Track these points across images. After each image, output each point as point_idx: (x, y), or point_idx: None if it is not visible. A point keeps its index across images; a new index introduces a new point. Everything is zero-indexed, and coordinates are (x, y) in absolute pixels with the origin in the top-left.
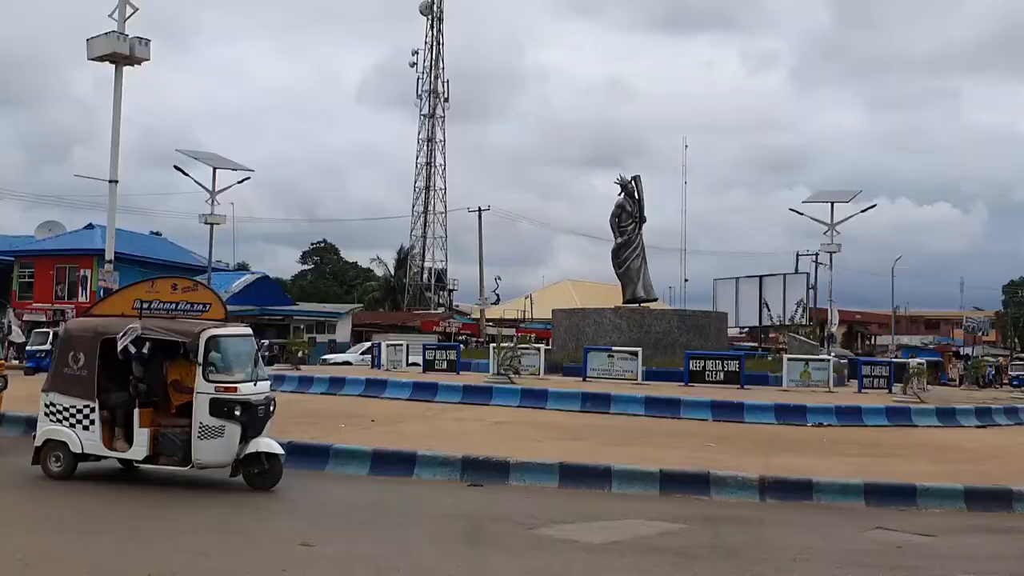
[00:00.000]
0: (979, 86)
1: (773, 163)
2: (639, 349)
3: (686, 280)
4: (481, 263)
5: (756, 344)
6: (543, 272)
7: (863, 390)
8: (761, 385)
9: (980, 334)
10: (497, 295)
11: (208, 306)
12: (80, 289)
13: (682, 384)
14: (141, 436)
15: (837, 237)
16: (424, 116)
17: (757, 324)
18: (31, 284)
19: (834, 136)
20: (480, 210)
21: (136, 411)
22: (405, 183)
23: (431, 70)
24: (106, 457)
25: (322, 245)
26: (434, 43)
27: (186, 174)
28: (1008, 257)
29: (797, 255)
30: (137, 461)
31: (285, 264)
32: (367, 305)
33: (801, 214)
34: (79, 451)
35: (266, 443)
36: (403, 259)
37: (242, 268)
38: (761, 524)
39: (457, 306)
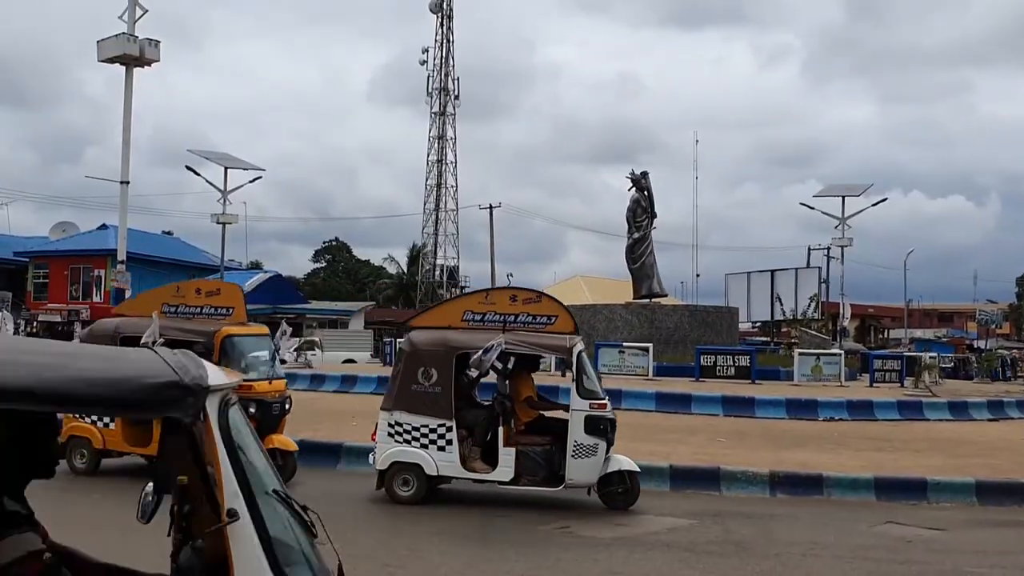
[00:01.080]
0: (992, 79)
1: (785, 158)
2: (650, 345)
3: (697, 275)
4: (493, 260)
5: (768, 339)
6: (554, 268)
7: (875, 384)
8: (772, 380)
9: (993, 327)
10: None
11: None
12: (94, 289)
13: (693, 379)
14: (507, 456)
15: (849, 231)
16: (435, 114)
17: (769, 319)
18: (45, 285)
19: (846, 130)
20: (491, 207)
21: (500, 429)
22: (416, 181)
23: (441, 68)
24: (462, 479)
25: (334, 243)
26: (444, 41)
27: (198, 174)
28: (1022, 249)
29: (809, 249)
30: (503, 482)
31: (297, 263)
32: (380, 303)
33: (812, 208)
34: (434, 473)
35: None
36: (415, 256)
37: (255, 267)
38: (771, 519)
39: None
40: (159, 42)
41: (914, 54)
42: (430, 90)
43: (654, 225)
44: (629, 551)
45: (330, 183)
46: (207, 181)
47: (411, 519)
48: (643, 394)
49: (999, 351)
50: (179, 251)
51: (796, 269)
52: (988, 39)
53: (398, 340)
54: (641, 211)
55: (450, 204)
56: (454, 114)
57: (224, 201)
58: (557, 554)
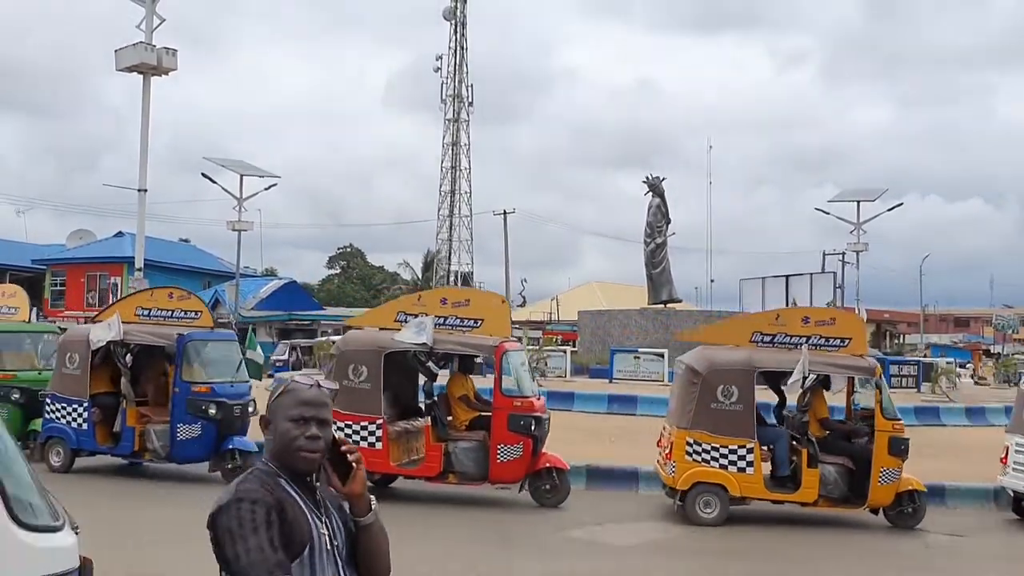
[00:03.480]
0: (1013, 81)
1: (802, 162)
2: (665, 350)
3: (712, 281)
4: (507, 266)
5: None
6: (569, 274)
7: (892, 389)
8: None
9: (1011, 332)
10: (523, 297)
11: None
12: (111, 296)
13: None
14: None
15: (864, 236)
16: (448, 120)
17: None
18: (63, 292)
19: (864, 133)
20: (505, 213)
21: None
22: (430, 187)
23: (455, 74)
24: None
25: (348, 249)
26: (458, 48)
27: (214, 182)
28: None
29: (824, 254)
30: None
31: (312, 269)
32: None
33: (827, 213)
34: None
35: None
36: (429, 262)
37: (270, 274)
38: (789, 524)
39: None
40: (176, 51)
41: (932, 56)
42: (444, 97)
43: (671, 231)
44: (646, 557)
45: (345, 189)
46: (223, 188)
47: (426, 522)
48: (658, 400)
49: (1016, 356)
50: (195, 258)
51: (811, 274)
52: (1008, 41)
53: None
54: (661, 216)
55: (464, 210)
56: (468, 120)
57: (240, 208)
58: (574, 561)
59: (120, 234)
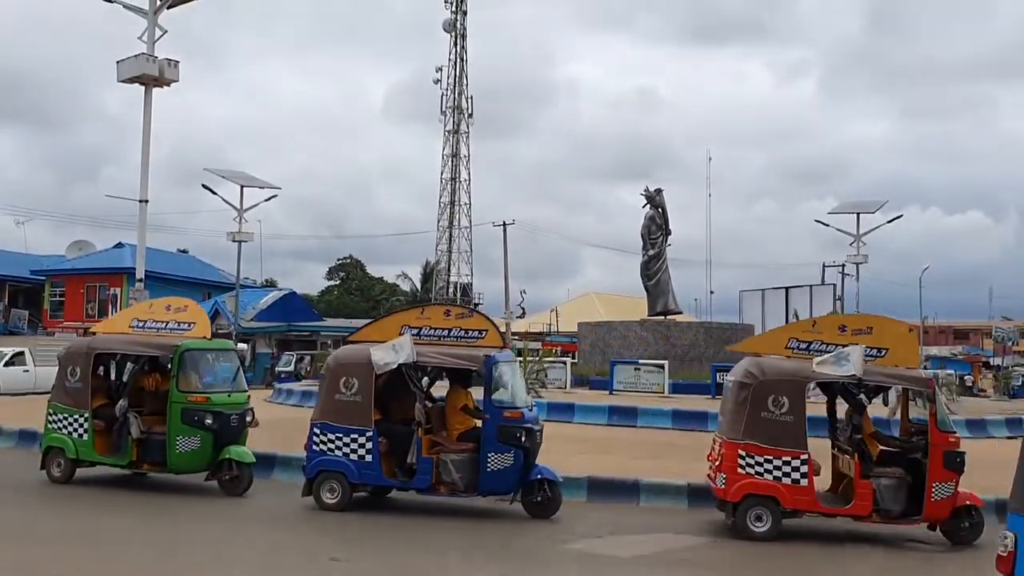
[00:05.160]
0: (1013, 94)
1: (803, 173)
2: (665, 362)
3: (712, 292)
4: (507, 277)
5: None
6: (568, 285)
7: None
8: None
9: (1010, 344)
10: (523, 308)
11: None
12: (110, 307)
13: (709, 397)
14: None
15: (864, 248)
16: (448, 132)
17: None
18: (62, 303)
19: (865, 146)
20: (505, 224)
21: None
22: (430, 198)
23: (455, 86)
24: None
25: (348, 261)
26: (458, 60)
27: (214, 192)
28: None
29: (823, 266)
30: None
31: (312, 280)
32: None
33: (827, 226)
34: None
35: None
36: (429, 274)
37: (269, 285)
38: (792, 536)
39: None
40: (178, 62)
41: (933, 69)
42: (444, 108)
43: (669, 242)
44: (648, 569)
45: (345, 201)
46: (223, 200)
47: (430, 534)
48: (659, 411)
49: (1015, 368)
50: (194, 269)
51: (811, 286)
52: (1008, 54)
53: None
54: (656, 228)
55: (464, 222)
56: (468, 132)
57: (240, 219)
58: (576, 573)
59: (120, 245)
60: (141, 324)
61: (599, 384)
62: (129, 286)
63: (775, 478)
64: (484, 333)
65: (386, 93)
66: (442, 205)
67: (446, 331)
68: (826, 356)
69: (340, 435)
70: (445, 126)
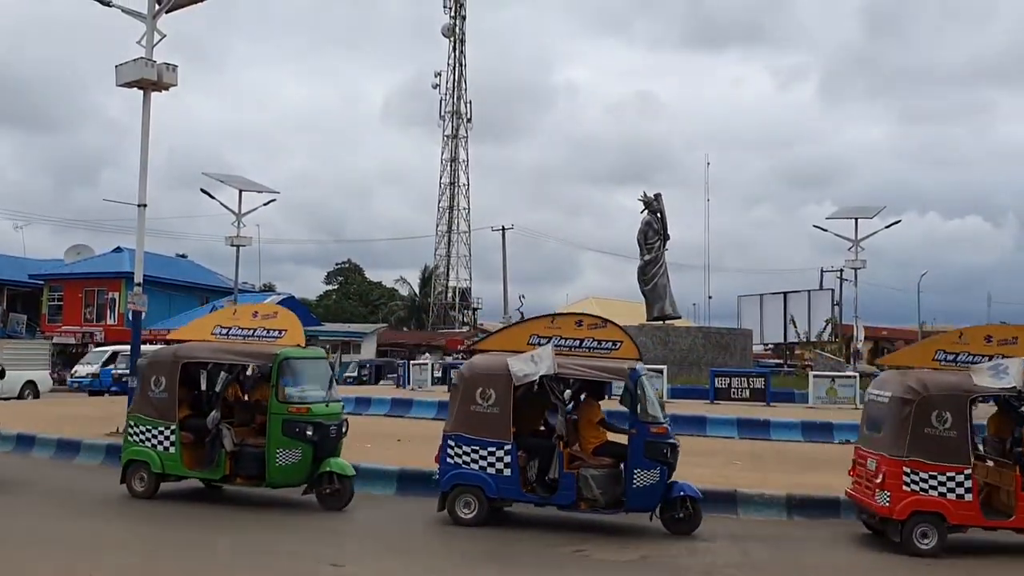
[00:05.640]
0: (1012, 98)
1: (801, 178)
2: (664, 366)
3: (710, 297)
4: (505, 281)
5: (781, 361)
6: (567, 290)
7: None
8: (787, 402)
9: None
10: (521, 313)
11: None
12: (108, 312)
13: (707, 401)
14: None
15: (863, 253)
16: (447, 137)
17: (782, 341)
18: (60, 307)
19: (863, 150)
20: (503, 229)
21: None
22: (429, 203)
23: (454, 91)
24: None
25: (347, 265)
26: (456, 64)
27: (212, 197)
28: None
29: (822, 271)
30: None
31: (310, 284)
32: (392, 324)
33: (825, 230)
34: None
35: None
36: (427, 278)
37: (268, 289)
38: (789, 542)
39: (481, 324)
40: (176, 66)
41: (932, 74)
42: (443, 113)
43: (666, 247)
44: (645, 574)
45: (344, 205)
46: (222, 204)
47: (429, 540)
48: None
49: None
50: (192, 274)
51: (809, 291)
52: (1007, 59)
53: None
54: (653, 233)
55: (463, 226)
56: (467, 137)
57: (238, 224)
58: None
59: (118, 249)
60: (225, 331)
61: None
62: (127, 290)
63: (940, 494)
64: (619, 344)
65: (385, 97)
66: (441, 209)
67: (578, 341)
68: (983, 368)
69: (476, 448)
70: (444, 130)
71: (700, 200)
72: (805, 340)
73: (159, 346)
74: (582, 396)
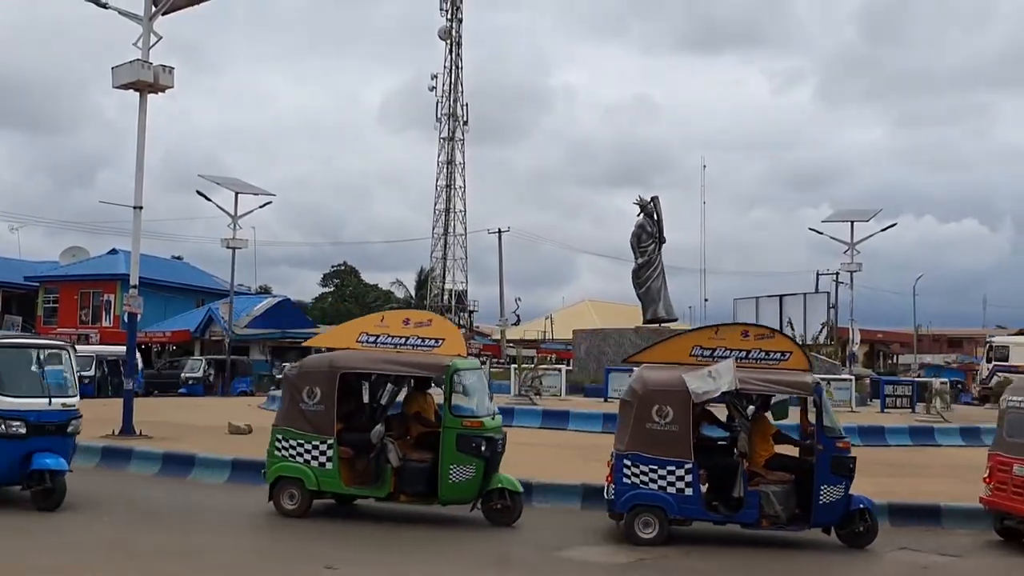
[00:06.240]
0: (1008, 102)
1: (799, 181)
2: None
3: (706, 300)
4: (501, 284)
5: None
6: (563, 293)
7: (886, 410)
8: None
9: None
10: (517, 316)
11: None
12: (104, 314)
13: None
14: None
15: (858, 256)
16: (444, 139)
17: None
18: (55, 309)
19: (860, 153)
20: (500, 231)
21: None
22: (425, 205)
23: (450, 93)
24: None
25: (343, 268)
26: (453, 67)
27: (208, 199)
28: None
29: (817, 274)
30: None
31: (306, 287)
32: None
33: (821, 233)
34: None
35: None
36: (423, 281)
37: (264, 291)
38: (786, 545)
39: (477, 327)
40: (173, 68)
41: (929, 77)
42: (439, 116)
43: (661, 250)
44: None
45: (340, 208)
46: (217, 206)
47: (431, 543)
48: None
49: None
50: (188, 276)
51: (805, 294)
52: (1004, 62)
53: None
54: (647, 236)
55: (459, 229)
56: (463, 139)
57: (234, 226)
58: None
59: (114, 251)
60: (372, 339)
61: (594, 391)
62: (123, 292)
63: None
64: (788, 355)
65: (381, 100)
66: (437, 212)
67: (744, 353)
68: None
69: (655, 467)
70: (440, 133)
71: (697, 203)
72: (801, 343)
73: (313, 355)
74: (750, 408)
